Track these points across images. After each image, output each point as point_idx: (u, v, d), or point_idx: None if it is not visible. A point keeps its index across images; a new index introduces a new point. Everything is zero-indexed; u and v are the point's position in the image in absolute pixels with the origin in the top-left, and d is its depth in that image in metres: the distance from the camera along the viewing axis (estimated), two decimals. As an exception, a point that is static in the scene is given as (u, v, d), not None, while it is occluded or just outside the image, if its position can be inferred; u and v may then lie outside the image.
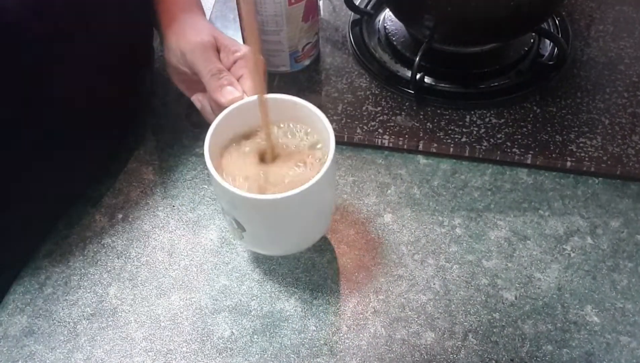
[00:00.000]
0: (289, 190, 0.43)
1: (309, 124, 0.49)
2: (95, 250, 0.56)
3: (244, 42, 0.56)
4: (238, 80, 0.51)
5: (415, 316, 0.51)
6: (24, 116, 0.50)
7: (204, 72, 0.52)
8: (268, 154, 0.48)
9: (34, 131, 0.51)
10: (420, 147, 0.61)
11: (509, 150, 0.60)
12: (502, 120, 0.62)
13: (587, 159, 0.59)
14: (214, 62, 0.52)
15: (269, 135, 0.47)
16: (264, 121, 0.47)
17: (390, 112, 0.64)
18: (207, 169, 0.45)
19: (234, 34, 0.72)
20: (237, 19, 0.66)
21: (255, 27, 0.44)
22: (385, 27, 0.71)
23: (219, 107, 0.49)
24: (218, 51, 0.53)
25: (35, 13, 0.46)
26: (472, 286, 0.52)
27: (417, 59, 0.63)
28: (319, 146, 0.49)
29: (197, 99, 0.56)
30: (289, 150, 0.48)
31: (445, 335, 0.49)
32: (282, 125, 0.50)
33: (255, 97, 0.48)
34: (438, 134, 0.61)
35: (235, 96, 0.49)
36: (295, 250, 0.53)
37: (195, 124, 0.64)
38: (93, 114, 0.56)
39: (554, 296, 0.51)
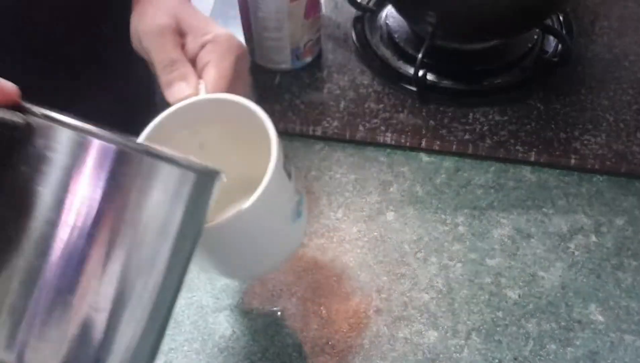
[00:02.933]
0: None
1: (249, 129, 0.39)
2: (96, 248, 0.56)
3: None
4: (203, 68, 0.42)
5: (418, 315, 0.50)
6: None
7: (155, 62, 0.43)
8: None
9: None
10: (423, 144, 0.60)
11: (512, 147, 0.59)
12: (506, 117, 0.62)
13: (591, 156, 0.58)
14: (168, 51, 0.43)
15: None
16: None
17: (393, 110, 0.63)
18: None
19: (235, 30, 0.72)
20: (239, 17, 0.65)
21: None
22: (387, 24, 0.70)
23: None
24: (183, 34, 0.44)
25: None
26: (475, 284, 0.52)
27: (420, 56, 0.62)
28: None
29: None
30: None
31: (448, 334, 0.49)
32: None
33: (209, 96, 0.40)
34: (441, 132, 0.61)
35: (185, 93, 0.41)
36: (242, 278, 0.48)
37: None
38: (90, 111, 0.55)
39: (558, 294, 0.51)
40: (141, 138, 0.39)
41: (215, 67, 0.41)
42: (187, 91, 0.41)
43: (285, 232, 0.42)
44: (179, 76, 0.42)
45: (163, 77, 0.42)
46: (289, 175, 0.39)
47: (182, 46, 0.44)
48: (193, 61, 0.43)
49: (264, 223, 0.39)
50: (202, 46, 0.43)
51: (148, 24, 0.44)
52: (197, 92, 0.41)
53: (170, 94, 0.41)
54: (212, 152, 0.40)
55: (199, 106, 0.39)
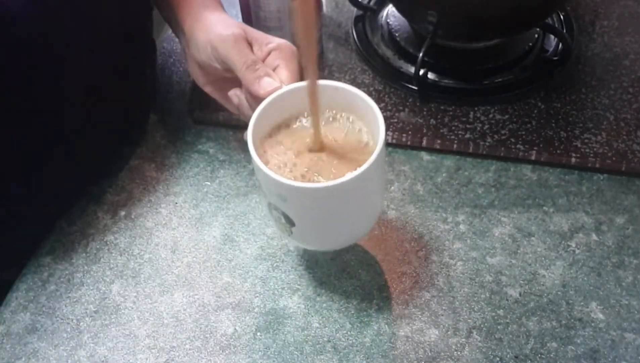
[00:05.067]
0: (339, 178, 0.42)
1: (353, 111, 0.48)
2: (98, 247, 0.56)
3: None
4: (273, 71, 0.50)
5: (419, 313, 0.50)
6: (23, 112, 0.50)
7: (238, 64, 0.50)
8: (315, 144, 0.47)
9: (34, 129, 0.51)
10: (424, 143, 0.61)
11: (513, 146, 0.59)
12: (506, 116, 0.62)
13: (591, 155, 0.58)
14: (248, 54, 0.50)
15: (317, 124, 0.46)
16: (313, 108, 0.45)
17: (394, 109, 0.63)
18: (251, 160, 0.44)
19: (236, 14, 0.72)
20: (240, 16, 0.66)
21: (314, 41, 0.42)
22: (388, 23, 0.70)
23: (256, 101, 0.48)
24: (250, 44, 0.52)
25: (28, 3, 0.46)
26: (476, 283, 0.52)
27: (421, 55, 0.62)
28: (365, 132, 0.47)
29: (235, 94, 0.54)
30: (335, 139, 0.47)
31: (449, 332, 0.49)
32: (327, 111, 0.48)
33: (295, 85, 0.47)
34: (442, 131, 0.61)
35: (274, 86, 0.48)
36: (346, 243, 0.51)
37: (197, 121, 0.64)
38: (94, 111, 0.56)
39: (559, 293, 0.51)
40: (252, 122, 0.45)
41: (286, 68, 0.49)
42: (275, 83, 0.48)
43: (381, 198, 0.49)
44: (263, 73, 0.49)
45: (249, 75, 0.49)
46: None
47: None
48: None
49: (374, 183, 0.46)
50: (269, 53, 0.51)
51: (222, 34, 0.52)
52: (281, 85, 0.48)
53: (261, 87, 0.48)
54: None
55: (291, 93, 0.47)
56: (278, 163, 0.46)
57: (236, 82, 0.52)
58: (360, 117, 0.47)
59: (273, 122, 0.48)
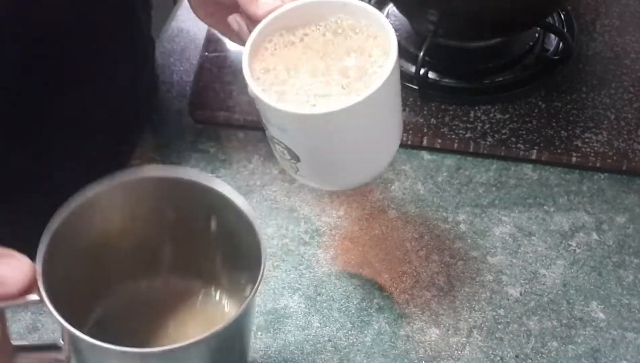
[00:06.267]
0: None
1: (361, 28, 0.43)
2: (98, 246, 0.56)
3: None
4: None
5: (420, 312, 0.50)
6: (22, 113, 0.50)
7: None
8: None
9: (32, 129, 0.51)
10: (424, 143, 0.60)
11: (513, 145, 0.59)
12: (507, 115, 0.62)
13: (592, 154, 0.58)
14: None
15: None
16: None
17: (394, 108, 0.63)
18: (248, 91, 0.39)
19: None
20: None
21: None
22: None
23: (254, 24, 0.44)
24: None
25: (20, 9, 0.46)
26: (476, 282, 0.52)
27: (421, 54, 0.62)
28: (377, 49, 0.42)
29: (234, 20, 0.50)
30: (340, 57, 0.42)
31: (449, 332, 0.49)
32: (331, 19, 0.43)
33: (295, 2, 0.43)
34: (442, 130, 0.61)
35: (273, 5, 0.44)
36: (362, 179, 0.45)
37: (197, 121, 0.64)
38: (93, 111, 0.56)
39: (559, 292, 0.51)
40: (247, 44, 0.41)
41: None
42: (275, 2, 0.44)
43: (397, 125, 0.44)
44: None
45: None
46: None
47: None
48: None
49: (388, 105, 0.41)
50: None
51: None
52: (282, 4, 0.44)
53: (259, 7, 0.44)
54: (314, 44, 0.43)
55: (291, 12, 0.43)
56: (278, 89, 0.41)
57: (236, 9, 0.48)
58: (367, 30, 0.43)
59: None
